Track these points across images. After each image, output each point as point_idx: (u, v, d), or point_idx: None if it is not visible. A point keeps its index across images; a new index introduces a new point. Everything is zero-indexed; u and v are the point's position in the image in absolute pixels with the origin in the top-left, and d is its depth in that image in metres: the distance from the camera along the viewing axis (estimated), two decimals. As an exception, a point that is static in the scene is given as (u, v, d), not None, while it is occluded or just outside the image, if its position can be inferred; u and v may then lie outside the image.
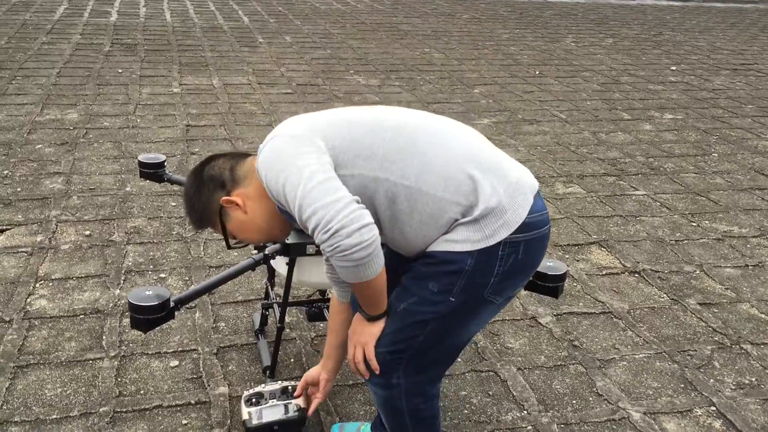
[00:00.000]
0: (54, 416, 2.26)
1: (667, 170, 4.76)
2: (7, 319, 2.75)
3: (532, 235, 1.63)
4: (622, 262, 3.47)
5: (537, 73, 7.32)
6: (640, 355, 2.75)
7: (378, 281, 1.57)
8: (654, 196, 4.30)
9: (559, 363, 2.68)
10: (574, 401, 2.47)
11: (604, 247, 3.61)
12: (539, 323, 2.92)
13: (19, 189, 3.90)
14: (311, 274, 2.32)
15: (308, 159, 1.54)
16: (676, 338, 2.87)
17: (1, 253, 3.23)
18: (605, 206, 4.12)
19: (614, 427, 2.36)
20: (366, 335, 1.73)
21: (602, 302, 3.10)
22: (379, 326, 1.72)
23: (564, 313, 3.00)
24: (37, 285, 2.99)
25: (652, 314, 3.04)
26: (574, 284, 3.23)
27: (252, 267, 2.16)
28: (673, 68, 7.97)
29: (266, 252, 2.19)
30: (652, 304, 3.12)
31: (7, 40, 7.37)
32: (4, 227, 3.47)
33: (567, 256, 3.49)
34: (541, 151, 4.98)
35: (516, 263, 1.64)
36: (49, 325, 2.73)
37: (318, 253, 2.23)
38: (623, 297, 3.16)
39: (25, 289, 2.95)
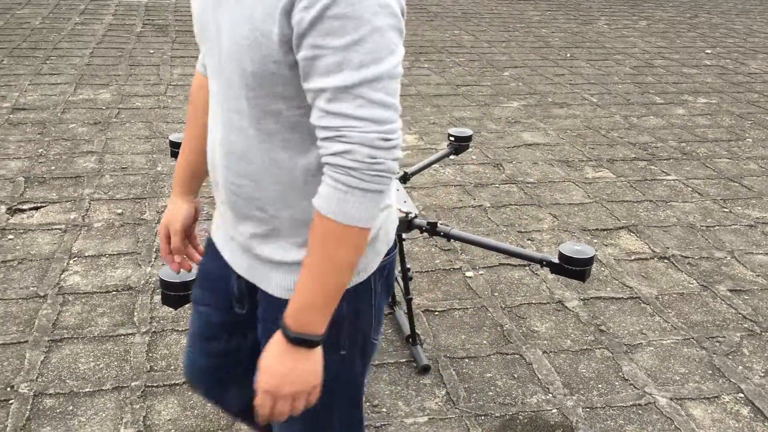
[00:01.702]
0: (87, 389, 2.32)
1: (700, 155, 4.69)
2: (42, 294, 2.81)
3: (394, 255, 1.35)
4: (652, 247, 3.44)
5: (568, 55, 7.23)
6: (668, 341, 2.73)
7: (364, 240, 1.11)
8: (685, 182, 4.24)
9: (585, 347, 2.67)
10: (599, 385, 2.47)
11: (633, 232, 3.58)
12: (566, 307, 2.91)
13: (53, 167, 3.98)
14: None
15: (396, 34, 1.07)
16: (705, 324, 2.85)
17: (36, 230, 3.31)
18: (635, 191, 4.08)
19: (640, 412, 2.36)
20: (296, 379, 1.14)
21: (630, 287, 3.08)
22: (317, 359, 1.16)
23: (591, 298, 2.99)
24: (71, 261, 3.05)
25: (681, 300, 3.01)
26: (602, 269, 3.21)
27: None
28: (708, 51, 7.81)
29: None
30: (681, 290, 3.09)
31: (41, 20, 7.47)
32: (39, 205, 3.54)
33: (595, 241, 3.47)
34: (570, 134, 4.93)
35: (384, 288, 1.33)
36: (83, 300, 2.79)
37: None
38: (652, 282, 3.13)
39: (59, 266, 3.01)
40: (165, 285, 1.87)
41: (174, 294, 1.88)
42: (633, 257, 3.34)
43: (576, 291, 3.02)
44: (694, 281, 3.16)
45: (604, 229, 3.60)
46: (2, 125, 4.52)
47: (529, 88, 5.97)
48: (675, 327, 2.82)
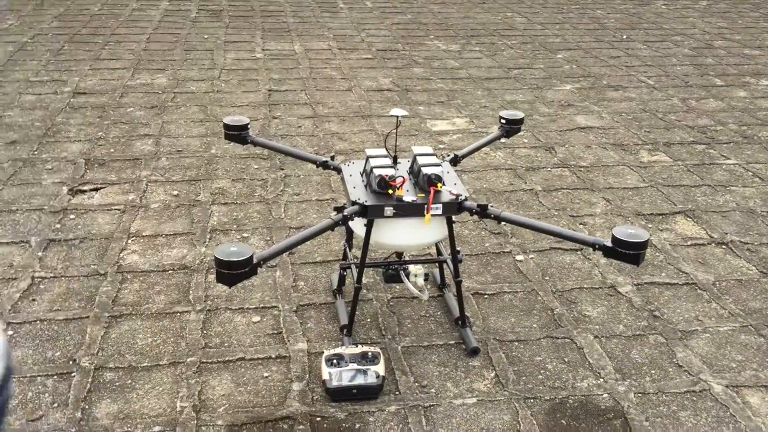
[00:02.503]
0: (145, 364, 2.40)
1: (762, 139, 4.54)
2: (102, 272, 2.91)
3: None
4: (709, 232, 3.35)
5: (624, 37, 7.06)
6: (725, 328, 2.67)
7: None
8: (746, 166, 4.12)
9: (638, 333, 2.63)
10: (652, 371, 2.43)
11: (690, 217, 3.49)
12: (618, 292, 2.87)
13: (112, 150, 4.09)
14: (388, 237, 2.35)
15: None
16: (764, 312, 2.77)
17: (97, 210, 3.41)
18: (693, 175, 3.97)
19: (694, 398, 2.31)
20: None
21: (686, 273, 3.02)
22: None
23: (645, 283, 2.93)
24: (129, 241, 3.14)
25: (739, 287, 2.93)
26: (657, 254, 3.15)
27: (331, 228, 2.21)
28: (773, 31, 7.52)
29: (345, 213, 2.23)
30: (739, 276, 3.01)
31: (100, 6, 7.65)
32: (99, 186, 3.65)
33: (650, 226, 3.40)
34: (626, 117, 4.83)
35: None
36: (141, 278, 2.87)
37: (396, 215, 2.26)
38: (709, 268, 3.06)
39: (118, 245, 3.11)
40: (221, 263, 1.91)
41: (228, 272, 1.93)
42: (689, 242, 3.26)
43: (629, 276, 2.97)
44: (754, 268, 3.07)
45: (659, 214, 3.53)
46: (64, 109, 4.66)
47: (582, 71, 5.85)
48: (732, 314, 2.75)
